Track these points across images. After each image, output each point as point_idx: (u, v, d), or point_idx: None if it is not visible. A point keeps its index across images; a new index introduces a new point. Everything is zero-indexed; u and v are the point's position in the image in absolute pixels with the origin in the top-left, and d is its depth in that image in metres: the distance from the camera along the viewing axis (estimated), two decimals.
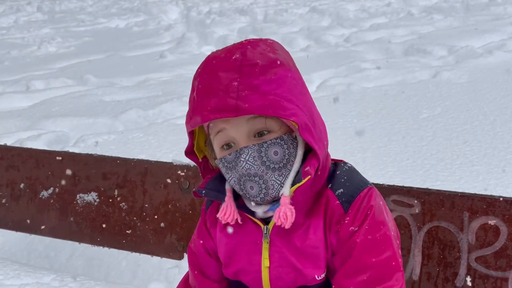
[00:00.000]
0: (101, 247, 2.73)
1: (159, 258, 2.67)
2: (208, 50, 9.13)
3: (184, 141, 4.79)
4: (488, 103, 5.18)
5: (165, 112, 5.80)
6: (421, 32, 8.64)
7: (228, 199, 1.58)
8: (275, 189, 1.51)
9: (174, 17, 12.64)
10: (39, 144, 4.60)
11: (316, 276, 1.57)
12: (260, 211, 1.55)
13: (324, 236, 1.54)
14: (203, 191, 1.60)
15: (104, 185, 2.71)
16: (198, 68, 1.55)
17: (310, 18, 10.79)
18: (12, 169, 2.93)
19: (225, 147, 1.53)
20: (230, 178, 1.55)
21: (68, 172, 2.78)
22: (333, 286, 1.55)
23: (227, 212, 1.57)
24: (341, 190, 1.54)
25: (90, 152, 2.85)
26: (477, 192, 2.03)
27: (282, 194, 1.50)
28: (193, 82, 1.53)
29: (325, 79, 6.40)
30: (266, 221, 1.58)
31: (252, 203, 1.55)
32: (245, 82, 1.45)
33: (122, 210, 2.67)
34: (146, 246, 2.63)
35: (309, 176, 1.48)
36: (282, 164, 1.51)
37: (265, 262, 1.59)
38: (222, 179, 1.61)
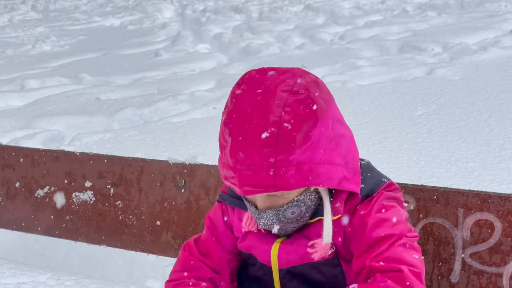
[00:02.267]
0: (97, 246, 2.73)
1: (155, 256, 2.67)
2: (203, 48, 9.12)
3: (179, 139, 4.81)
4: (483, 100, 5.20)
5: (161, 110, 5.80)
6: (415, 29, 8.65)
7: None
8: (292, 230, 1.62)
9: (169, 16, 12.63)
10: (34, 143, 4.59)
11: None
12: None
13: (339, 227, 1.61)
14: (227, 199, 1.71)
15: (99, 184, 2.71)
16: (228, 117, 1.51)
17: (305, 16, 10.79)
18: (7, 168, 2.93)
19: None
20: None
21: (64, 170, 2.78)
22: (354, 267, 1.60)
23: (251, 222, 1.67)
24: (362, 185, 1.61)
25: (85, 151, 2.85)
26: (472, 189, 2.04)
27: (326, 243, 1.58)
28: (224, 132, 1.52)
29: (320, 77, 6.39)
30: None
31: None
32: (281, 159, 1.46)
33: (118, 208, 2.67)
34: (142, 244, 2.63)
35: (339, 215, 1.58)
36: (301, 215, 1.60)
37: (279, 240, 1.66)
38: None
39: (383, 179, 1.66)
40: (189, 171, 2.51)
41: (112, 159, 2.71)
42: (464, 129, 4.56)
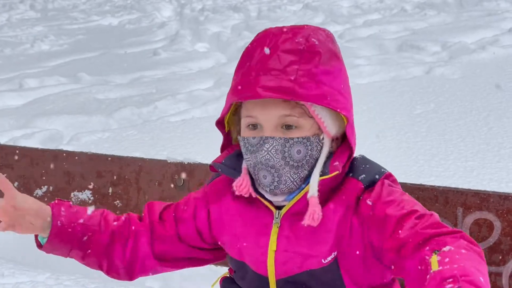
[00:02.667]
0: None
1: None
2: (202, 47, 9.12)
3: (178, 139, 4.81)
4: (481, 99, 5.20)
5: (159, 109, 5.79)
6: (414, 28, 8.65)
7: (244, 175, 1.58)
8: (287, 184, 1.52)
9: (168, 15, 12.62)
10: (33, 143, 4.59)
11: (322, 260, 1.56)
12: (275, 200, 1.56)
13: (343, 219, 1.53)
14: (220, 167, 1.59)
15: (98, 183, 2.70)
16: (255, 40, 1.54)
17: (304, 15, 10.79)
18: (6, 168, 2.92)
19: (251, 126, 1.53)
20: (247, 161, 1.55)
21: (62, 170, 2.78)
22: (391, 245, 1.46)
23: (243, 184, 1.56)
24: (363, 175, 1.56)
25: (84, 150, 2.85)
26: (471, 188, 2.04)
27: (311, 196, 1.50)
28: (247, 53, 1.53)
29: None
30: (277, 206, 1.58)
31: (267, 193, 1.55)
32: (305, 68, 1.46)
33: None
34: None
35: (337, 172, 1.50)
36: (301, 163, 1.52)
37: (272, 246, 1.58)
38: (239, 157, 1.61)
39: (383, 169, 1.60)
40: (188, 170, 2.51)
41: (111, 158, 2.71)
42: (463, 128, 4.56)
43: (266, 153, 1.50)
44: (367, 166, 1.59)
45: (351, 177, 1.56)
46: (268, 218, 1.58)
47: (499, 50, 6.78)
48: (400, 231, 1.42)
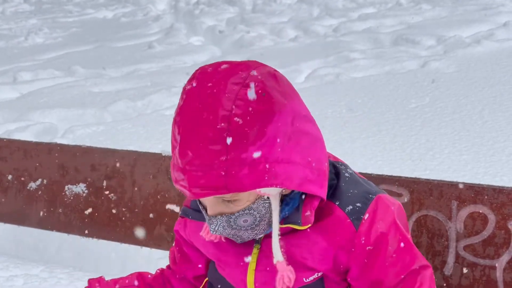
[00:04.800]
0: (90, 239, 2.73)
1: (148, 249, 2.67)
2: (197, 40, 9.09)
3: None
4: (476, 93, 5.21)
5: (154, 103, 5.78)
6: (409, 22, 8.65)
7: None
8: (252, 238, 1.51)
9: (162, 8, 12.57)
10: (27, 136, 4.57)
11: (304, 279, 1.55)
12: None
13: (325, 252, 1.51)
14: (190, 215, 1.60)
15: (92, 176, 2.70)
16: (178, 115, 1.38)
17: (299, 9, 10.76)
18: None
19: None
20: None
21: (56, 163, 2.77)
22: None
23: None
24: (350, 207, 1.49)
25: (78, 143, 2.84)
26: (466, 181, 2.04)
27: (277, 262, 1.48)
28: (174, 131, 1.39)
29: (314, 69, 6.40)
30: None
31: None
32: (233, 157, 1.32)
33: (111, 201, 2.66)
34: (136, 237, 2.63)
35: (309, 225, 1.46)
36: (255, 224, 1.47)
37: (252, 265, 1.56)
38: None
39: (370, 196, 1.51)
40: None
41: (105, 151, 2.70)
42: (458, 122, 4.56)
43: (214, 231, 1.46)
44: (354, 193, 1.52)
45: (337, 206, 1.50)
46: (250, 240, 1.56)
47: (494, 44, 6.78)
48: None
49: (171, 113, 5.36)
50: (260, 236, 1.53)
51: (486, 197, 1.93)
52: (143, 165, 2.60)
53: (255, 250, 1.56)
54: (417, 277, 1.49)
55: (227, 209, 1.44)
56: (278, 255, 1.48)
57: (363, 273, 1.51)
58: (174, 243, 1.82)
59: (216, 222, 1.45)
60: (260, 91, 1.35)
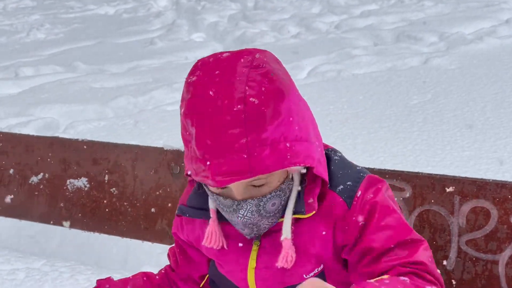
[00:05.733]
0: (92, 233, 2.72)
1: (150, 243, 2.67)
2: (198, 37, 9.08)
3: (174, 128, 4.79)
4: (478, 89, 5.20)
5: (156, 98, 5.78)
6: (411, 19, 8.63)
7: (212, 223, 1.52)
8: (265, 230, 1.50)
9: (164, 4, 12.55)
10: (28, 131, 4.57)
11: (304, 275, 1.54)
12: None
13: (322, 234, 1.51)
14: (187, 212, 1.56)
15: (94, 171, 2.69)
16: (188, 104, 1.37)
17: (301, 5, 10.75)
18: (1, 155, 2.91)
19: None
20: (222, 212, 1.49)
21: (58, 157, 2.77)
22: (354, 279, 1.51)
23: (212, 239, 1.53)
24: (341, 186, 1.50)
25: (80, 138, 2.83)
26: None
27: (285, 238, 1.47)
28: (184, 120, 1.38)
29: (316, 66, 6.39)
30: None
31: None
32: (254, 138, 1.31)
33: (112, 195, 2.66)
34: (137, 231, 2.63)
35: (314, 212, 1.46)
36: (277, 210, 1.47)
37: (252, 263, 1.56)
38: (205, 193, 1.54)
39: (361, 174, 1.53)
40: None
41: (107, 146, 2.70)
42: (460, 118, 4.55)
43: (242, 218, 1.43)
44: (344, 173, 1.53)
45: (329, 188, 1.51)
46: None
47: (497, 41, 6.77)
48: (376, 264, 1.45)
49: (172, 109, 5.36)
50: (271, 226, 1.51)
51: (488, 191, 1.92)
52: (144, 160, 2.59)
53: (254, 247, 1.55)
54: (409, 247, 1.47)
55: (258, 193, 1.42)
56: (287, 232, 1.47)
57: (355, 246, 1.50)
58: (174, 244, 1.81)
59: (245, 207, 1.42)
60: (269, 72, 1.37)
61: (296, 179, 1.48)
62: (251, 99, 1.32)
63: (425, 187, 2.00)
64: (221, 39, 8.65)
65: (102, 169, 2.68)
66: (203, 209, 1.54)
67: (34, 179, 2.83)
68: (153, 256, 2.91)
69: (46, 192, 2.80)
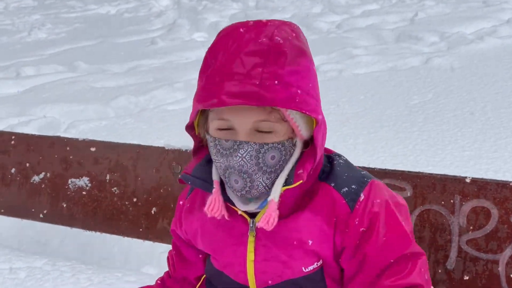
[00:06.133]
0: (93, 232, 2.73)
1: (151, 242, 2.67)
2: (199, 36, 9.09)
3: (175, 127, 4.80)
4: (479, 89, 5.20)
5: (156, 98, 5.79)
6: (412, 19, 8.64)
7: (216, 192, 1.53)
8: (258, 189, 1.48)
9: (165, 4, 12.56)
10: (29, 130, 4.58)
11: (303, 268, 1.55)
12: (248, 209, 1.52)
13: (323, 233, 1.52)
14: (190, 180, 1.55)
15: (95, 170, 2.70)
16: (216, 42, 1.46)
17: (302, 5, 10.75)
18: (2, 154, 2.92)
19: (222, 129, 1.47)
20: (217, 162, 1.49)
21: (59, 156, 2.77)
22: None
23: (215, 206, 1.52)
24: (346, 189, 1.52)
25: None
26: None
27: (271, 200, 1.47)
28: (209, 56, 1.45)
29: (317, 66, 6.39)
30: (252, 214, 1.55)
31: (239, 201, 1.52)
32: (270, 70, 1.37)
33: (114, 195, 2.66)
34: (138, 231, 2.63)
35: (301, 181, 1.45)
36: (274, 169, 1.47)
37: (250, 256, 1.56)
38: (209, 165, 1.55)
39: (365, 179, 1.55)
40: (185, 158, 2.51)
41: (108, 145, 2.70)
42: (460, 118, 4.56)
43: (240, 159, 1.44)
44: (349, 176, 1.54)
45: (332, 187, 1.52)
46: (244, 228, 1.56)
47: (497, 41, 6.77)
48: (374, 284, 1.48)
49: (173, 108, 5.37)
50: (265, 198, 1.50)
51: (489, 191, 1.93)
52: (146, 159, 2.60)
53: (251, 238, 1.56)
54: (408, 263, 1.50)
55: (260, 140, 1.44)
56: (275, 195, 1.47)
57: (354, 254, 1.51)
58: (172, 247, 1.82)
59: (246, 148, 1.43)
60: (298, 34, 1.47)
61: (299, 146, 1.51)
62: (277, 37, 1.41)
63: (425, 186, 2.01)
64: None
65: (104, 169, 2.68)
66: (206, 182, 1.55)
67: (36, 178, 2.83)
68: (154, 256, 2.92)
69: (47, 192, 2.81)
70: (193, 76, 6.41)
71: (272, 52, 1.39)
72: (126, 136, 4.58)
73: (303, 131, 1.49)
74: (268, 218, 1.46)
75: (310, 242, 1.52)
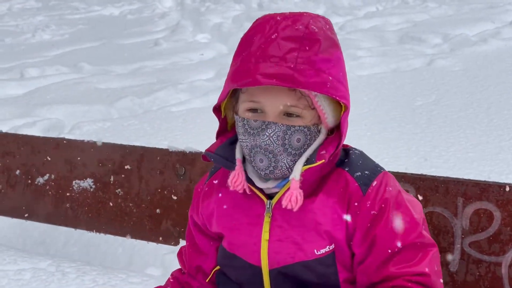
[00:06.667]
0: (97, 233, 2.74)
1: (155, 244, 2.68)
2: (203, 38, 9.11)
3: (179, 128, 4.81)
4: (482, 91, 5.20)
5: (160, 99, 5.80)
6: (415, 20, 8.64)
7: (239, 168, 1.58)
8: (282, 170, 1.54)
9: (169, 5, 12.59)
10: (34, 131, 4.59)
11: (315, 251, 1.57)
12: (266, 187, 1.57)
13: (336, 214, 1.56)
14: (212, 157, 1.61)
15: (100, 172, 2.71)
16: (252, 28, 1.54)
17: (305, 6, 10.76)
18: (7, 156, 2.93)
19: (252, 110, 1.53)
20: (244, 142, 1.55)
21: (64, 158, 2.79)
22: (359, 277, 1.58)
23: (238, 180, 1.58)
24: (359, 173, 1.57)
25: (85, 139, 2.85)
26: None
27: (292, 178, 1.52)
28: (244, 41, 1.53)
29: None
30: (269, 195, 1.60)
31: (258, 180, 1.57)
32: (304, 55, 1.46)
33: (118, 196, 2.67)
34: (142, 232, 2.64)
35: (323, 161, 1.51)
36: (298, 152, 1.54)
37: (265, 235, 1.60)
38: (232, 146, 1.62)
39: (379, 168, 1.61)
40: (189, 160, 2.52)
41: (113, 147, 2.71)
42: (464, 120, 4.56)
43: (267, 138, 1.51)
44: (363, 163, 1.60)
45: (346, 171, 1.57)
46: (260, 209, 1.60)
47: (500, 43, 6.77)
48: (384, 268, 1.52)
49: (177, 109, 5.38)
50: (286, 178, 1.55)
51: (492, 194, 1.93)
52: (150, 161, 2.61)
53: (266, 219, 1.59)
54: (418, 252, 1.53)
55: (288, 122, 1.51)
56: (297, 174, 1.52)
57: (364, 238, 1.55)
58: (186, 237, 1.84)
59: (274, 128, 1.50)
60: (328, 24, 1.56)
61: (323, 133, 1.57)
62: (312, 26, 1.50)
63: (428, 189, 2.01)
64: (226, 40, 8.67)
65: (108, 170, 2.69)
66: (228, 161, 1.60)
67: (40, 180, 2.84)
68: (158, 257, 2.93)
69: (52, 193, 2.82)
70: (197, 78, 6.42)
71: (307, 38, 1.48)
72: (130, 137, 4.59)
73: (329, 119, 1.55)
74: (290, 197, 1.52)
75: (325, 223, 1.56)
